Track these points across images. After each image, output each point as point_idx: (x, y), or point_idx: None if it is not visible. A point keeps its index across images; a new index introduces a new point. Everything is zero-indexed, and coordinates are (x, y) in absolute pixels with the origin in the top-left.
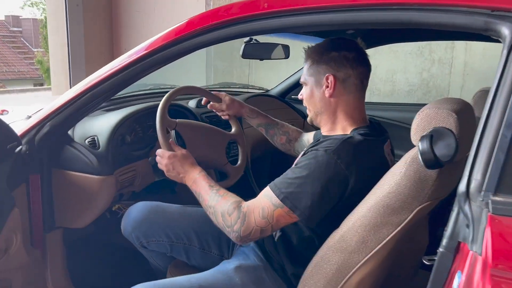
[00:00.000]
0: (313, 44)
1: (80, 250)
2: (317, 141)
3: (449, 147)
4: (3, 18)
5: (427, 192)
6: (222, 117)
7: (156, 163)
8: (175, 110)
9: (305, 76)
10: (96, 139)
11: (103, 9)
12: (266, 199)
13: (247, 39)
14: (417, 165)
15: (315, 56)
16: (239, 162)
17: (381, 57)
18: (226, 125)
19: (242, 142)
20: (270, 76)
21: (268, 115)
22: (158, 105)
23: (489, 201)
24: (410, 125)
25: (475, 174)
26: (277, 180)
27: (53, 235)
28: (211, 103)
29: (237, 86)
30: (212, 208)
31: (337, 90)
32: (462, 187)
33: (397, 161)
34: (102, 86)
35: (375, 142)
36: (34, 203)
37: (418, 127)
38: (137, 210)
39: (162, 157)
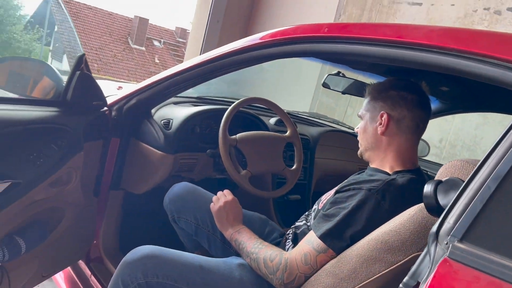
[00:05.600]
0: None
1: (134, 216)
2: (359, 178)
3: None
4: (174, 29)
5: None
6: None
7: (215, 157)
8: (251, 121)
9: (362, 110)
10: (170, 122)
11: (240, 29)
12: (308, 245)
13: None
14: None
15: (374, 92)
16: (295, 165)
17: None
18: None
19: (298, 143)
20: None
21: None
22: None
23: (451, 245)
24: None
25: (449, 218)
26: (316, 219)
27: (116, 194)
28: None
29: (328, 120)
30: (254, 254)
31: (390, 129)
32: (434, 228)
33: None
34: (183, 75)
35: (420, 187)
36: (109, 161)
37: (439, 176)
38: (178, 186)
39: (219, 198)
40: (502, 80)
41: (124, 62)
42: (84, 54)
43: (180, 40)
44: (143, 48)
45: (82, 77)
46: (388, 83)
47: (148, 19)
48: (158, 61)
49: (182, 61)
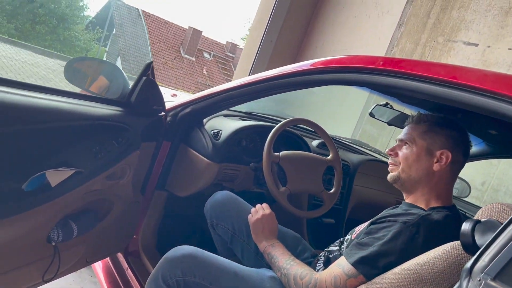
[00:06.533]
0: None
1: (174, 217)
2: (395, 212)
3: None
4: (225, 43)
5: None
6: None
7: (257, 170)
8: (294, 141)
9: (414, 136)
10: (220, 132)
11: (291, 51)
12: (339, 268)
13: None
14: (463, 249)
15: (435, 125)
16: (333, 189)
17: None
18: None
19: (339, 168)
20: None
21: None
22: (282, 127)
23: (484, 282)
24: None
25: (484, 256)
26: (349, 247)
27: (161, 194)
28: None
29: (370, 149)
30: (285, 270)
31: (445, 168)
32: (468, 264)
33: None
34: (238, 91)
35: (455, 224)
36: (158, 162)
37: (478, 217)
38: (220, 194)
39: (258, 211)
40: None
41: (174, 70)
42: (152, 62)
43: (229, 54)
44: (193, 59)
45: (147, 82)
46: (451, 122)
47: (202, 31)
48: (205, 73)
49: (229, 75)
